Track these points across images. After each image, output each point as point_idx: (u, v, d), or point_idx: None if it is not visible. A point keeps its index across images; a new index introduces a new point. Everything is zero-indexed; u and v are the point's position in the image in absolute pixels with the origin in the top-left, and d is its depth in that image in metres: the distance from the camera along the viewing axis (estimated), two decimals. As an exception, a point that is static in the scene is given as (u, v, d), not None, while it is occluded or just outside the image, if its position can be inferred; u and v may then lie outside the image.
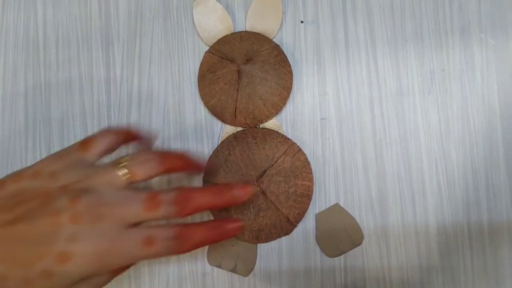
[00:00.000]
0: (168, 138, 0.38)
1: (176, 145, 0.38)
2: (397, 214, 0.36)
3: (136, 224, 0.28)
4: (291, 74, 0.37)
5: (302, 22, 0.38)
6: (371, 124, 0.37)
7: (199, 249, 0.36)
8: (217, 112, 0.37)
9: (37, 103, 0.39)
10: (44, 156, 0.34)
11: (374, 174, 0.37)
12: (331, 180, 0.37)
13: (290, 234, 0.36)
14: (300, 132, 0.37)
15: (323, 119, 0.37)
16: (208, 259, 0.36)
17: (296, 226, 0.36)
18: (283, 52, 0.37)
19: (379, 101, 0.37)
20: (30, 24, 0.40)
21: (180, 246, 0.28)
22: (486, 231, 0.36)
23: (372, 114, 0.37)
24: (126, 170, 0.28)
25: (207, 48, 0.38)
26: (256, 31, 0.38)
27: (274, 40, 0.38)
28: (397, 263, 0.36)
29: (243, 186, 0.31)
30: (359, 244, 0.36)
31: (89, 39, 0.39)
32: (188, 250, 0.28)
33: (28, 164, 0.30)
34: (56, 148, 0.38)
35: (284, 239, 0.36)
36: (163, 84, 0.38)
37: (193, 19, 0.38)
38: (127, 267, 0.31)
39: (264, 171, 0.35)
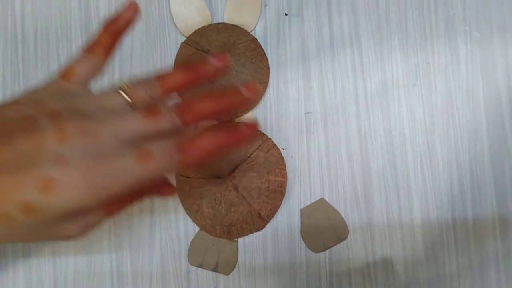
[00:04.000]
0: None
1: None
2: (382, 209, 0.36)
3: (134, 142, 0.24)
4: (268, 68, 0.37)
5: (286, 14, 0.38)
6: (356, 118, 0.37)
7: (182, 247, 0.35)
8: None
9: (15, 98, 0.38)
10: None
11: (359, 169, 0.36)
12: (316, 174, 0.36)
13: (275, 230, 0.36)
14: (285, 126, 0.37)
15: (308, 113, 0.37)
16: (189, 260, 0.35)
17: (268, 222, 0.35)
18: (261, 46, 0.37)
19: (364, 95, 0.37)
20: (8, 17, 0.38)
21: (185, 154, 0.24)
22: (471, 224, 0.36)
23: (357, 108, 0.37)
24: (123, 93, 0.25)
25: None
26: (234, 23, 0.37)
27: (255, 32, 0.38)
28: (382, 257, 0.35)
29: (247, 85, 0.26)
30: (344, 239, 0.35)
31: (69, 32, 0.38)
32: (196, 159, 0.24)
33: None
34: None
35: (269, 234, 0.36)
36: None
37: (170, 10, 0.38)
38: (124, 202, 0.27)
39: (236, 166, 0.35)
